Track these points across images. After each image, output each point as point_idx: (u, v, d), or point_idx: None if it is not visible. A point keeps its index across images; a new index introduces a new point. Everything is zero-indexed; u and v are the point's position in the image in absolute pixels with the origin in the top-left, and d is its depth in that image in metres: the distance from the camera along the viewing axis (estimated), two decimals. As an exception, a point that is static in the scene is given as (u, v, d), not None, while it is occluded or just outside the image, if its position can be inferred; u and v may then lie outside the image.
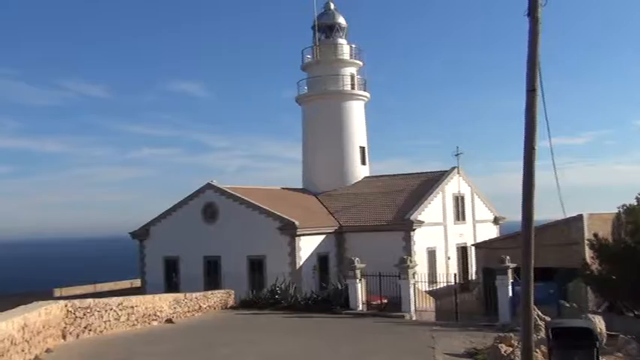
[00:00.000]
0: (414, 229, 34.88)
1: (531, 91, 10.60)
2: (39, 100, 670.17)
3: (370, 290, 27.08)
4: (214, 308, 27.17)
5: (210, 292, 28.12)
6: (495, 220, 44.17)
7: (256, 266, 34.42)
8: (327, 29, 43.53)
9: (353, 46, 43.88)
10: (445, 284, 28.09)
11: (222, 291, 29.05)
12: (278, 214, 34.27)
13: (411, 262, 25.70)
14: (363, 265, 26.47)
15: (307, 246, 34.44)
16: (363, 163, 42.98)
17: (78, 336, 19.06)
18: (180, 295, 25.58)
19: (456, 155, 40.28)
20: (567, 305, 23.28)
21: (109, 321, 20.69)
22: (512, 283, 23.11)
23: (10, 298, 32.01)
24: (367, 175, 42.94)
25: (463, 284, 32.53)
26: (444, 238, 38.42)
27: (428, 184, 38.92)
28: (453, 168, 40.26)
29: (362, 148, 42.94)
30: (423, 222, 35.60)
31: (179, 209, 37.76)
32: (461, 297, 26.13)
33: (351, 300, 25.95)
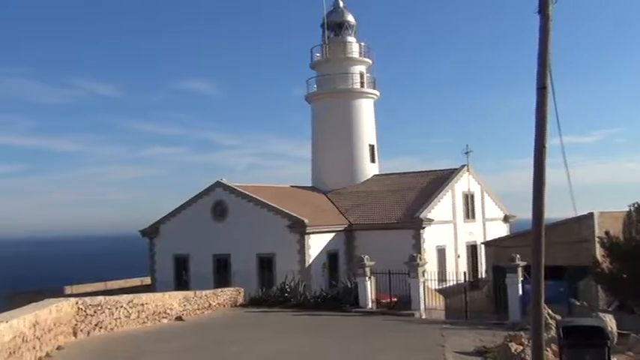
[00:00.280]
0: (423, 227, 34.82)
1: (542, 89, 10.53)
2: (50, 99, 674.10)
3: (380, 288, 27.08)
4: (224, 306, 27.24)
5: (219, 290, 28.21)
6: (505, 219, 44.02)
7: (266, 264, 34.46)
8: (336, 27, 43.47)
9: (362, 44, 43.82)
10: (455, 282, 28.04)
11: (232, 289, 29.12)
12: (287, 212, 34.29)
13: (420, 260, 25.67)
14: (372, 263, 26.47)
15: (317, 244, 34.45)
16: (373, 161, 42.92)
17: (89, 333, 19.16)
18: (190, 293, 25.67)
19: (466, 153, 40.20)
20: (578, 304, 23.17)
21: (120, 318, 20.80)
22: (522, 281, 23.04)
23: (21, 296, 32.25)
24: (377, 173, 42.90)
25: (473, 282, 32.47)
26: (454, 236, 38.34)
27: (438, 182, 38.83)
28: (463, 166, 40.15)
29: (371, 146, 42.88)
30: (432, 220, 35.52)
31: (189, 207, 37.85)
32: (470, 295, 26.05)
33: (361, 298, 25.95)
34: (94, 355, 16.34)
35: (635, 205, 23.64)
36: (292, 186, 42.22)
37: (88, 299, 19.74)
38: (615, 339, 16.31)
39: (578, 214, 25.35)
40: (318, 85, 43.56)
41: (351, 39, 43.40)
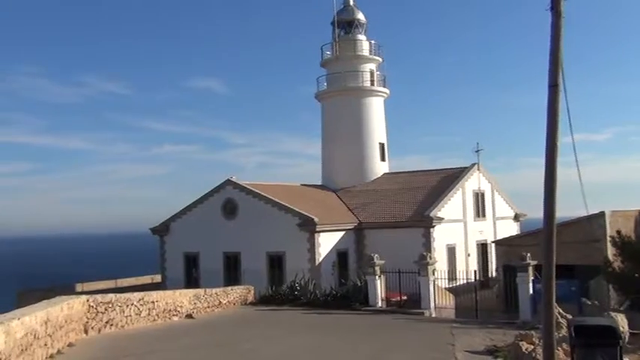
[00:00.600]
0: (433, 226, 34.73)
1: (553, 87, 10.48)
2: (61, 98, 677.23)
3: (389, 287, 27.02)
4: (234, 304, 27.29)
5: (229, 288, 28.25)
6: (516, 217, 43.83)
7: (276, 262, 34.49)
8: (346, 25, 43.39)
9: (372, 42, 43.73)
10: (465, 281, 27.94)
11: (242, 287, 29.16)
12: (297, 210, 34.30)
13: (430, 258, 25.59)
14: (382, 262, 26.41)
15: (326, 242, 34.43)
16: (383, 159, 42.85)
17: (99, 331, 19.24)
18: (200, 291, 25.71)
19: (477, 151, 40.03)
20: (589, 303, 23.04)
21: (130, 316, 20.87)
22: (532, 280, 22.93)
23: (32, 293, 32.50)
24: (387, 171, 42.83)
25: (483, 281, 32.35)
26: (464, 234, 38.21)
27: (448, 180, 38.72)
28: (473, 164, 40.01)
29: (381, 145, 42.81)
30: (442, 219, 35.42)
31: (199, 205, 37.93)
32: (481, 294, 25.97)
33: (371, 296, 25.91)
34: (104, 352, 16.40)
35: (647, 204, 23.47)
36: (302, 184, 42.22)
37: (98, 297, 19.82)
38: (627, 338, 16.21)
39: (590, 213, 25.20)
40: (329, 83, 43.52)
41: (362, 37, 43.32)
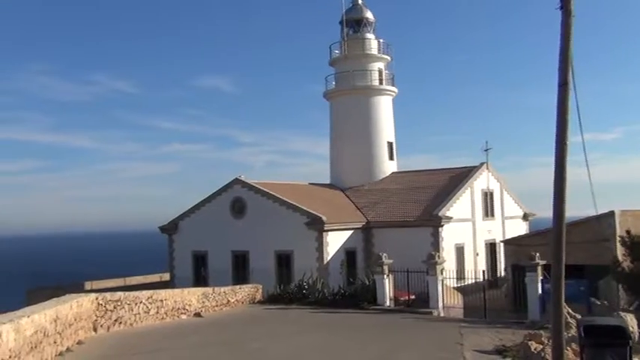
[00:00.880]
0: (442, 225, 34.66)
1: (563, 86, 10.44)
2: (70, 96, 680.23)
3: (398, 286, 27.00)
4: (242, 302, 27.33)
5: (238, 287, 28.30)
6: (525, 217, 43.69)
7: (284, 261, 34.53)
8: (355, 24, 43.35)
9: (381, 40, 43.64)
10: (473, 281, 27.88)
11: (250, 285, 29.20)
12: (305, 209, 34.31)
13: (439, 258, 25.55)
14: (390, 261, 26.40)
15: (335, 241, 34.43)
16: (391, 158, 42.80)
17: (109, 328, 19.31)
18: (208, 290, 25.77)
19: (485, 151, 39.94)
20: (598, 303, 22.96)
21: (139, 314, 20.93)
22: (541, 280, 22.86)
23: (42, 291, 32.63)
24: (395, 170, 42.77)
25: (491, 281, 32.27)
26: (473, 234, 38.12)
27: (456, 179, 38.63)
28: (482, 164, 39.90)
29: (390, 144, 42.75)
30: (451, 218, 35.35)
31: (207, 204, 38.01)
32: (489, 294, 25.90)
33: (379, 296, 25.90)
34: (113, 350, 16.46)
35: (658, 204, 23.36)
36: (310, 183, 42.24)
37: (107, 295, 19.89)
38: (636, 338, 16.14)
39: (599, 213, 25.10)
40: (337, 82, 43.50)
41: (370, 36, 43.27)
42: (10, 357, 11.19)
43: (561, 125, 10.50)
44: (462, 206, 37.14)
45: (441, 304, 24.95)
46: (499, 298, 28.90)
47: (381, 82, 43.01)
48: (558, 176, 10.55)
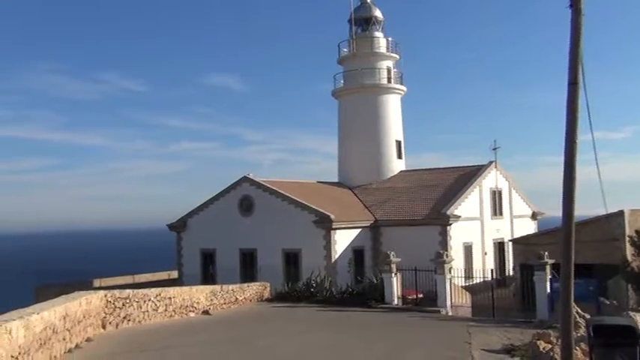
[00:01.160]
0: (450, 224, 34.60)
1: (573, 84, 10.39)
2: (80, 95, 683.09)
3: (406, 285, 26.97)
4: (250, 300, 27.38)
5: (246, 285, 28.37)
6: (533, 216, 43.55)
7: (292, 259, 34.55)
8: (363, 22, 43.29)
9: (389, 39, 43.57)
10: (481, 280, 27.82)
11: (258, 283, 29.26)
12: (314, 207, 34.32)
13: (447, 256, 25.52)
14: (398, 260, 26.38)
15: (343, 240, 34.42)
16: (399, 157, 42.74)
17: (117, 326, 19.39)
18: (216, 287, 25.83)
19: (494, 149, 39.82)
20: (607, 302, 22.87)
21: (148, 311, 21.01)
22: (550, 279, 22.79)
23: (51, 289, 32.74)
24: (403, 169, 42.71)
25: (500, 280, 32.19)
26: (481, 233, 38.03)
27: (465, 178, 38.55)
28: (491, 162, 39.80)
29: (398, 142, 42.69)
30: (459, 217, 35.28)
31: (216, 202, 38.09)
32: (497, 293, 25.85)
33: (387, 294, 25.89)
34: (122, 347, 16.53)
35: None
36: (318, 181, 42.24)
37: (116, 292, 19.97)
38: (646, 339, 16.05)
39: (609, 212, 24.97)
40: (345, 80, 43.47)
41: (379, 34, 43.20)
42: (19, 353, 11.25)
43: (571, 124, 10.44)
44: (470, 205, 37.06)
45: (449, 303, 24.92)
46: (507, 297, 28.82)
47: (389, 81, 42.95)
48: (568, 175, 10.49)
